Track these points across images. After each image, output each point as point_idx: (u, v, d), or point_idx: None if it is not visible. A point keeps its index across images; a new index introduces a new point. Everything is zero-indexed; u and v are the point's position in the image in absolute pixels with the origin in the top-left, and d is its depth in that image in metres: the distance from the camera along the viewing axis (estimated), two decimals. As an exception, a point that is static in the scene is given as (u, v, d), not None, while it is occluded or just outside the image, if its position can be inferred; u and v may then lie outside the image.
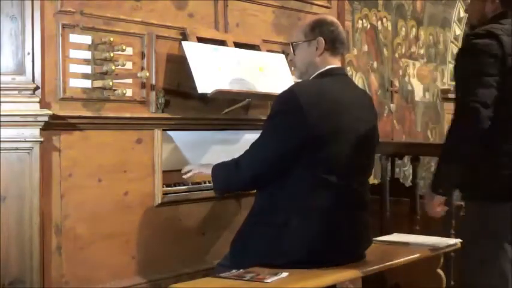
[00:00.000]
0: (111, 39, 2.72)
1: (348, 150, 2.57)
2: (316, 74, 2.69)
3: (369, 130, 2.70)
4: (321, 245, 2.52)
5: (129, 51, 2.82)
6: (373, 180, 5.66)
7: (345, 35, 2.76)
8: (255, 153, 2.59)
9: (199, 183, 3.08)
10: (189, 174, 2.90)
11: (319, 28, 2.69)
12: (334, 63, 2.71)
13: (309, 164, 2.51)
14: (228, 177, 2.67)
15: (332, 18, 2.81)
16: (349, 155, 2.57)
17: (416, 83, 7.07)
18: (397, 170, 4.99)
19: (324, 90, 2.59)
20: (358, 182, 2.64)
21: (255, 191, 2.70)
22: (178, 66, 3.00)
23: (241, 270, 2.46)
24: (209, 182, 2.93)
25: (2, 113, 2.48)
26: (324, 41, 2.67)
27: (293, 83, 2.98)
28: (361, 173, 2.68)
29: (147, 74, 2.84)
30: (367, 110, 2.73)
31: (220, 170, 2.70)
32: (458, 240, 3.27)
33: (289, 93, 2.56)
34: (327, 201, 2.53)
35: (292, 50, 2.78)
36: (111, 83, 2.70)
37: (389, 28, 6.64)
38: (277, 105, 2.60)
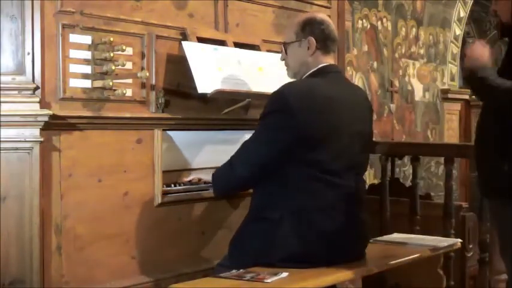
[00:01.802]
0: (111, 39, 2.71)
1: (342, 148, 2.57)
2: (308, 73, 2.69)
3: (363, 127, 2.70)
4: (319, 244, 2.52)
5: (129, 51, 2.82)
6: (373, 180, 5.67)
7: (336, 32, 2.74)
8: (248, 154, 2.60)
9: (199, 183, 3.08)
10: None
11: (309, 27, 2.68)
12: (327, 61, 2.70)
13: (303, 162, 2.52)
14: (226, 180, 2.68)
15: (322, 15, 2.78)
16: (343, 153, 2.57)
17: (416, 83, 7.06)
18: (397, 170, 4.99)
19: (315, 89, 2.59)
20: (353, 180, 2.65)
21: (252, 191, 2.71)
22: (178, 66, 2.99)
23: (241, 270, 2.46)
24: (209, 183, 2.93)
25: (2, 113, 2.48)
26: (315, 41, 2.67)
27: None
28: (356, 170, 2.68)
29: (147, 74, 2.84)
30: (360, 106, 2.73)
31: (217, 175, 2.71)
32: (458, 240, 3.27)
33: (280, 94, 2.57)
34: (322, 200, 2.53)
35: (284, 50, 2.77)
36: (111, 83, 2.70)
37: (389, 28, 6.63)
38: (268, 105, 2.60)
